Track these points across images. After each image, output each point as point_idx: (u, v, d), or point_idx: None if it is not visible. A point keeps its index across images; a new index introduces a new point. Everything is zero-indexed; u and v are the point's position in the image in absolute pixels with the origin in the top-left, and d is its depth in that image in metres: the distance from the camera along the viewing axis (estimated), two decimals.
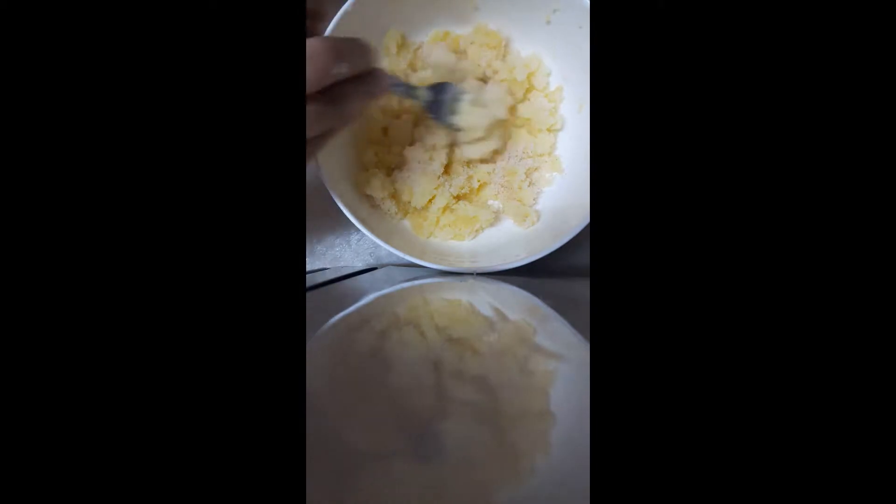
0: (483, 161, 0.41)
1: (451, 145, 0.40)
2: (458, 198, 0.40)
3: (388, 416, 0.15)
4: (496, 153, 0.41)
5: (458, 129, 0.38)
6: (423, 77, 0.40)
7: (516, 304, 0.29)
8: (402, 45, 0.40)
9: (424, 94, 0.37)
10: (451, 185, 0.39)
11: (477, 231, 0.41)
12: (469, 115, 0.37)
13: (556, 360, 0.19)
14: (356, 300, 0.31)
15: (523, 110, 0.40)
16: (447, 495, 0.11)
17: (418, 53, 0.40)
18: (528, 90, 0.40)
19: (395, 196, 0.40)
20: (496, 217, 0.41)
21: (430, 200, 0.39)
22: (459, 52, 0.40)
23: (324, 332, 0.22)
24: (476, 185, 0.40)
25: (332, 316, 0.24)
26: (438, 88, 0.37)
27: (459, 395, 0.16)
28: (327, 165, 0.34)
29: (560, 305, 0.27)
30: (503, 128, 0.39)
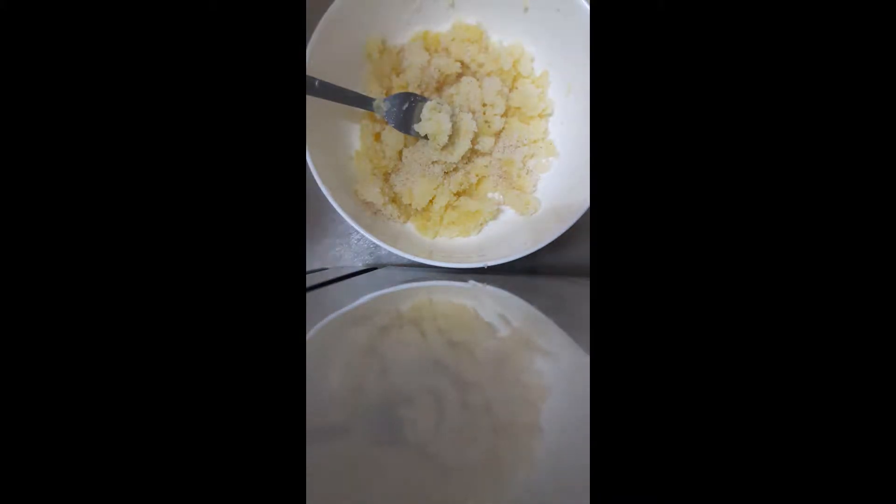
0: (477, 153, 0.40)
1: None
2: (458, 194, 0.40)
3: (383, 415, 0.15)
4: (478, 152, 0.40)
5: (422, 137, 0.38)
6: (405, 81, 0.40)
7: (520, 311, 0.29)
8: (384, 50, 0.40)
9: (381, 105, 0.37)
10: (450, 183, 0.39)
11: (481, 225, 0.40)
12: (429, 123, 0.36)
13: (553, 374, 0.18)
14: (356, 300, 0.31)
15: (513, 99, 0.40)
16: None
17: (400, 57, 0.40)
18: (515, 78, 0.40)
19: (395, 200, 0.40)
20: (498, 209, 0.41)
21: (431, 200, 0.39)
22: (441, 50, 0.40)
23: (323, 329, 0.21)
24: (475, 179, 0.40)
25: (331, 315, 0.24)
26: (396, 99, 0.37)
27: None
28: (324, 177, 0.34)
29: (565, 320, 0.27)
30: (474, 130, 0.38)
